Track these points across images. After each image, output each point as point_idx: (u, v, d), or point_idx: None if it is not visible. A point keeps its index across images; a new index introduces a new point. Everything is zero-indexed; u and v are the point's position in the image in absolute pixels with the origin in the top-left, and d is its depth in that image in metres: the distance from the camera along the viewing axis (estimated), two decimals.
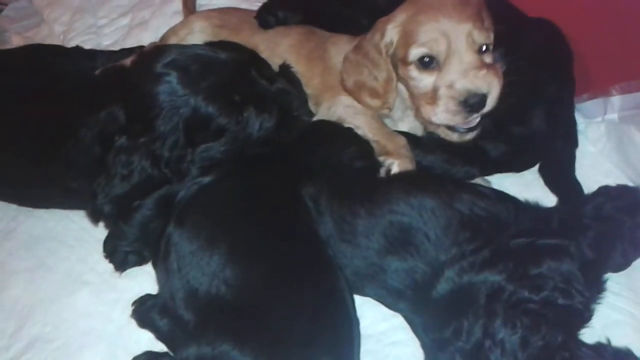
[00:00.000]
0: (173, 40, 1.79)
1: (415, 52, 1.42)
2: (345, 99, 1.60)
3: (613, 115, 1.67)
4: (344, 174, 1.43)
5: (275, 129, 1.41)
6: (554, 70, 1.67)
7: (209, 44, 1.57)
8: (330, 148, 1.46)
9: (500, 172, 1.69)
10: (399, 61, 1.48)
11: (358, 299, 1.41)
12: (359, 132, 1.55)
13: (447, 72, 1.41)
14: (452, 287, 1.24)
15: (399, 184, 1.39)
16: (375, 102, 1.56)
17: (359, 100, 1.57)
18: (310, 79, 1.65)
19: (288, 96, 1.44)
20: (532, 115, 1.62)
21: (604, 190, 1.52)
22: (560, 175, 1.66)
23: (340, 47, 1.65)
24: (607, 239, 1.34)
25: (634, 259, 1.41)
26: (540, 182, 1.68)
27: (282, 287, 1.22)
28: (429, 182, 1.40)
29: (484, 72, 1.39)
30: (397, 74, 1.52)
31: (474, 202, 1.34)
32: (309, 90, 1.64)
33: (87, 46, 1.99)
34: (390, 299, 1.37)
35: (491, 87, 1.40)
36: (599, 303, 1.30)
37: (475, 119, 1.46)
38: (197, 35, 1.80)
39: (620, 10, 1.61)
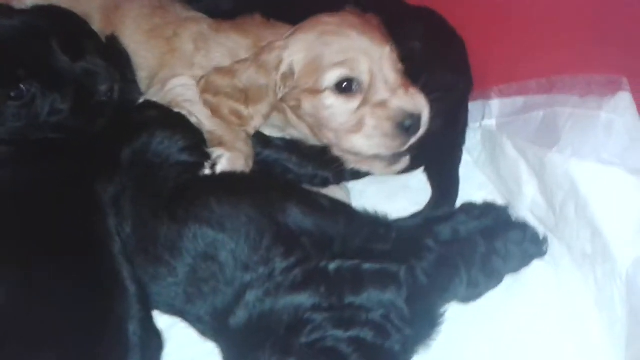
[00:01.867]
0: None
1: (331, 76, 1.19)
2: (184, 79, 1.36)
3: (491, 121, 1.47)
4: (159, 171, 1.19)
5: (72, 114, 1.17)
6: (448, 61, 1.48)
7: (32, 9, 1.36)
8: (149, 138, 1.22)
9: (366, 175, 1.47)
10: (304, 92, 1.25)
11: (169, 319, 1.21)
12: (193, 119, 1.32)
13: (376, 93, 1.20)
14: (251, 313, 1.03)
15: (215, 185, 1.16)
16: (234, 121, 1.32)
17: (217, 111, 1.32)
18: (146, 59, 1.40)
19: (94, 78, 1.19)
20: None
21: (466, 208, 1.34)
22: (443, 172, 1.48)
23: (197, 36, 1.40)
24: (449, 265, 1.14)
25: (487, 289, 1.22)
26: (406, 192, 1.47)
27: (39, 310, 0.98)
28: (252, 186, 1.19)
29: (412, 91, 1.21)
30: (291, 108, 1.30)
31: (301, 213, 1.13)
32: (142, 72, 1.40)
33: None
34: (194, 323, 1.14)
35: (423, 108, 1.22)
36: (432, 339, 1.10)
37: (406, 145, 1.24)
38: None
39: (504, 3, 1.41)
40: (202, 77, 1.32)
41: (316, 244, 1.10)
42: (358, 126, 1.21)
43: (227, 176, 1.21)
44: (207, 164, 1.23)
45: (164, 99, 1.33)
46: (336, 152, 1.31)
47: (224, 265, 1.05)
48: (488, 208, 1.36)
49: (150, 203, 1.14)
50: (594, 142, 1.15)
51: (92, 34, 1.40)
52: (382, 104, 1.19)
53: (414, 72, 1.35)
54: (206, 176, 1.22)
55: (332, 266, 1.06)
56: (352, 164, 1.33)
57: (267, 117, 1.31)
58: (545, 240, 1.29)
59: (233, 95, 1.29)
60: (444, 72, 1.42)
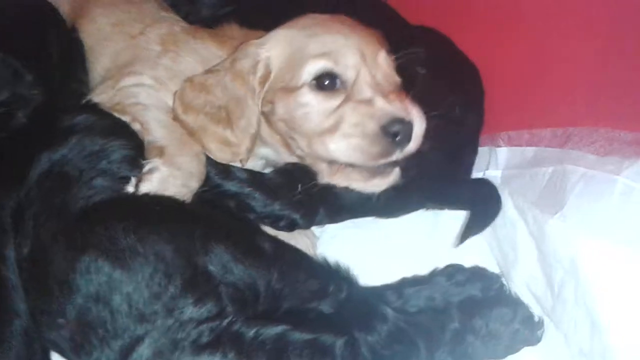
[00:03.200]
0: None
1: (311, 68, 1.00)
2: (142, 78, 1.15)
3: (496, 173, 1.24)
4: (73, 186, 1.01)
5: None
6: (456, 91, 1.25)
7: None
8: (72, 148, 1.04)
9: (357, 216, 1.25)
10: (279, 92, 1.05)
11: None
12: (136, 126, 1.11)
13: (360, 91, 0.99)
14: None
15: (129, 209, 0.96)
16: (225, 153, 1.10)
17: (203, 144, 1.10)
18: (103, 55, 1.23)
19: (8, 70, 1.02)
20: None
21: (449, 270, 1.12)
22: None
23: (168, 38, 1.22)
24: (405, 342, 0.91)
25: None
26: (387, 242, 1.25)
27: None
28: (176, 216, 0.98)
29: (407, 100, 1.00)
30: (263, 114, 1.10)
31: (230, 257, 0.92)
32: (98, 68, 1.23)
33: None
34: None
35: (417, 118, 1.00)
36: None
37: (393, 159, 1.01)
38: None
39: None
40: (175, 93, 1.12)
41: (238, 297, 0.89)
42: (335, 126, 0.99)
43: (149, 199, 1.01)
44: (133, 179, 1.02)
45: (111, 99, 1.14)
46: (309, 162, 1.09)
47: (115, 312, 0.85)
48: (476, 274, 1.14)
49: (52, 224, 0.96)
50: (606, 213, 0.92)
51: (56, 24, 1.24)
52: (368, 102, 0.98)
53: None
54: (123, 196, 1.01)
55: (250, 330, 0.84)
56: (325, 176, 1.09)
57: (255, 137, 1.10)
58: (540, 324, 1.06)
59: (214, 116, 1.09)
60: (451, 103, 1.20)
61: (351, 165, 1.03)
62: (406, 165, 1.10)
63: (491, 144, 1.27)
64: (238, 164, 1.13)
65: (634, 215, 0.89)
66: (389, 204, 1.23)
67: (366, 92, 0.98)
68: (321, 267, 1.03)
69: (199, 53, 1.19)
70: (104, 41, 1.24)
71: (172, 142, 1.09)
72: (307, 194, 1.16)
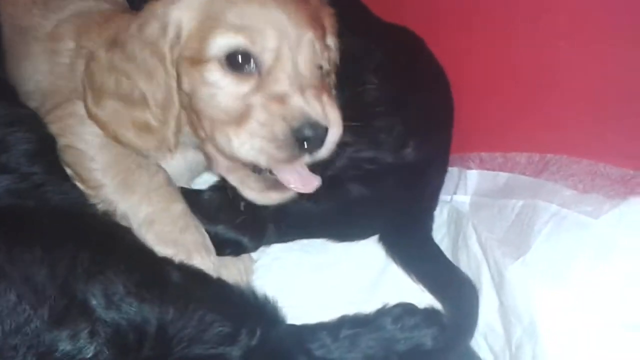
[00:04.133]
0: None
1: (222, 42, 0.84)
2: (69, 107, 0.99)
3: (464, 198, 1.07)
4: None
5: None
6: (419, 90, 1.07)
7: None
8: None
9: (307, 236, 1.11)
10: (185, 61, 0.89)
11: None
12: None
13: (276, 81, 0.83)
14: None
15: (6, 220, 0.81)
16: (148, 141, 0.94)
17: (118, 138, 0.94)
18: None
19: None
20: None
21: (397, 311, 0.98)
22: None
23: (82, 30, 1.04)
24: None
25: None
26: (336, 271, 1.09)
27: None
28: (63, 233, 0.82)
29: (325, 99, 0.86)
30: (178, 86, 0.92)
31: (122, 286, 0.77)
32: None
33: None
34: None
35: (334, 123, 0.86)
36: None
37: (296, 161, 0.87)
38: None
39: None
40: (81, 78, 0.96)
41: (118, 340, 0.72)
42: (241, 118, 0.84)
43: (41, 211, 0.85)
44: None
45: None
46: (209, 150, 0.94)
47: None
48: (429, 319, 0.98)
49: None
50: (577, 266, 0.74)
51: None
52: (280, 98, 0.83)
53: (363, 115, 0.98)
54: (12, 205, 0.85)
55: None
56: (220, 169, 0.94)
57: (178, 116, 0.93)
58: None
59: (128, 98, 0.92)
60: (405, 116, 1.02)
61: (252, 168, 0.89)
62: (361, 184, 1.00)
63: (461, 165, 1.10)
64: (166, 156, 0.96)
65: (611, 273, 0.71)
66: (340, 225, 1.08)
67: (282, 84, 0.83)
68: (238, 305, 0.86)
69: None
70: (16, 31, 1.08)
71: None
72: (252, 212, 1.00)
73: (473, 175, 1.08)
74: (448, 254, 1.08)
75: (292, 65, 0.84)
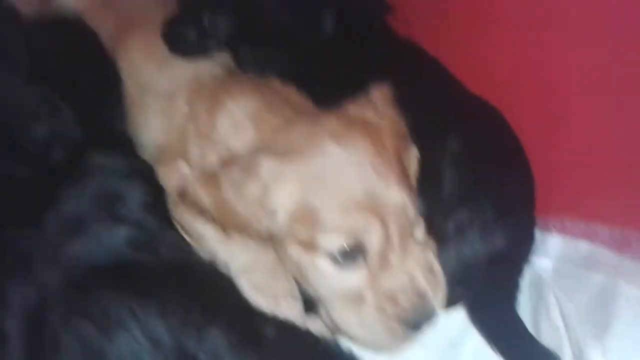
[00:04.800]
0: None
1: (331, 242, 0.89)
2: (179, 165, 1.10)
3: (546, 262, 1.10)
4: (86, 234, 0.97)
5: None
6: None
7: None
8: (94, 189, 1.01)
9: None
10: (289, 237, 0.94)
11: None
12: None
13: (384, 275, 0.91)
14: None
15: (126, 276, 0.92)
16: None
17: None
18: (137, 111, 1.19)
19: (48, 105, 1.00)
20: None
21: None
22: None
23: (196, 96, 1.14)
24: None
25: None
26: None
27: None
28: (177, 287, 0.92)
29: (428, 269, 0.94)
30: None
31: (226, 343, 0.86)
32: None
33: None
34: None
35: (438, 294, 0.95)
36: None
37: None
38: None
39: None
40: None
41: None
42: (355, 303, 0.92)
43: (154, 263, 0.96)
44: None
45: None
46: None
47: None
48: None
49: (56, 275, 0.92)
50: None
51: (92, 51, 1.23)
52: (393, 297, 0.90)
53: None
54: (129, 259, 0.96)
55: None
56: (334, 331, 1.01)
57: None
58: None
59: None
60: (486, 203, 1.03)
61: None
62: None
63: (543, 228, 1.12)
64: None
65: None
66: None
67: (393, 280, 0.90)
68: (330, 352, 0.93)
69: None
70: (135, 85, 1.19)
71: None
72: None
73: (556, 241, 1.10)
74: (529, 319, 1.08)
75: (393, 248, 0.90)
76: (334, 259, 0.90)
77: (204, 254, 1.05)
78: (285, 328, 0.95)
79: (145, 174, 1.08)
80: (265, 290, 1.02)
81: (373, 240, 0.89)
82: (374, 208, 0.89)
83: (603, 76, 0.99)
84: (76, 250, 0.96)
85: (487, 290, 1.05)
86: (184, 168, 1.07)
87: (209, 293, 0.94)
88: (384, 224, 0.89)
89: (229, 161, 0.97)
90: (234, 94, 1.09)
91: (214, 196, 0.95)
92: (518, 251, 1.07)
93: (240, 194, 0.93)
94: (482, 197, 1.00)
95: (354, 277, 0.91)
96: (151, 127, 1.17)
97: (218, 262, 1.04)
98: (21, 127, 1.00)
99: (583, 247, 1.04)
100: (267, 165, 0.91)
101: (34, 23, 1.24)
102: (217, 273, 1.01)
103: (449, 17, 1.26)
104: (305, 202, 0.90)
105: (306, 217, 0.90)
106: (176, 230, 1.06)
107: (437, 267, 0.96)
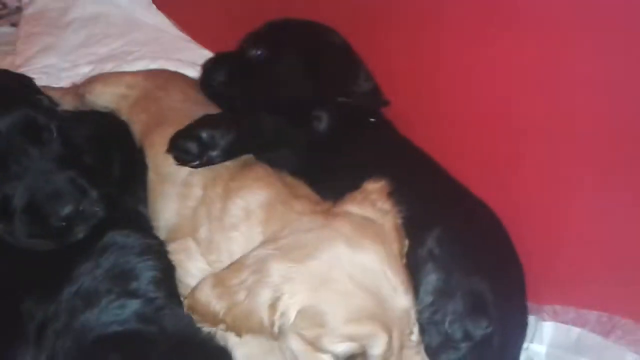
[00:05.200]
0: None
1: (339, 348, 0.93)
2: (186, 243, 1.17)
3: (540, 348, 1.13)
4: (98, 306, 1.04)
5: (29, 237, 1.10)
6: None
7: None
8: (108, 264, 1.09)
9: None
10: (293, 334, 0.97)
11: None
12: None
13: None
14: None
15: (132, 345, 0.98)
16: None
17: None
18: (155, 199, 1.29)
19: (54, 199, 1.09)
20: None
21: None
22: None
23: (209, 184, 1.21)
24: None
25: None
26: None
27: None
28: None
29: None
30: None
31: None
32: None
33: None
34: None
35: None
36: None
37: None
38: (97, 97, 1.56)
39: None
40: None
41: None
42: None
43: (161, 337, 1.02)
44: None
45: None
46: None
47: None
48: None
49: (68, 344, 0.98)
50: None
51: (122, 141, 1.35)
52: None
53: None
54: (138, 330, 1.02)
55: None
56: None
57: None
58: None
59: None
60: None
61: None
62: None
63: (537, 314, 1.16)
64: None
65: None
66: None
67: None
68: None
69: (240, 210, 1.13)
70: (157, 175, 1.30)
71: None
72: None
73: (548, 327, 1.14)
74: None
75: (397, 353, 0.95)
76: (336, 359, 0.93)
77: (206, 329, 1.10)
78: None
79: (157, 251, 1.14)
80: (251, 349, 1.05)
81: (378, 348, 0.92)
82: (381, 317, 0.92)
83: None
84: (87, 320, 1.03)
85: None
86: (192, 246, 1.14)
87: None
88: (389, 333, 0.93)
89: (238, 263, 1.01)
90: (248, 183, 1.17)
91: (227, 302, 0.98)
92: (512, 341, 1.10)
93: (254, 300, 0.96)
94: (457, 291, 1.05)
95: None
96: (167, 210, 1.25)
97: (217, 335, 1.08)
98: (49, 206, 1.08)
99: (573, 333, 1.08)
100: (277, 269, 0.94)
101: (70, 114, 1.37)
102: (217, 347, 1.06)
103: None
104: (315, 305, 0.93)
105: (314, 318, 0.93)
106: (180, 305, 1.11)
107: None
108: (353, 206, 1.07)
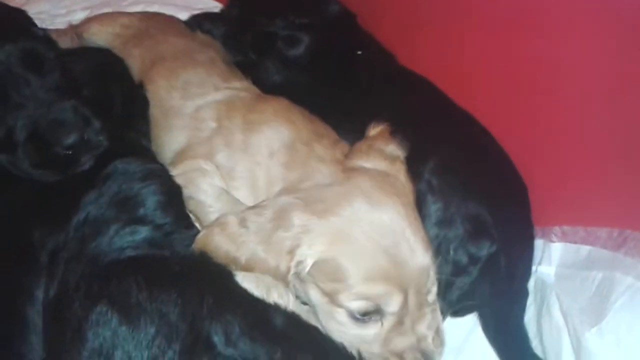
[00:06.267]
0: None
1: (353, 305, 0.95)
2: (199, 163, 1.17)
3: (549, 269, 1.14)
4: (108, 233, 1.04)
5: (33, 167, 1.09)
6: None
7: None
8: (112, 191, 1.08)
9: None
10: (312, 284, 0.99)
11: None
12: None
13: (396, 335, 0.98)
14: None
15: (149, 265, 0.98)
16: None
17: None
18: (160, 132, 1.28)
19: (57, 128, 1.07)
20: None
21: None
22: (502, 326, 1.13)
23: (224, 114, 1.22)
24: None
25: None
26: None
27: None
28: (191, 278, 0.97)
29: (436, 331, 1.00)
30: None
31: (237, 327, 0.90)
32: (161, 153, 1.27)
33: None
34: None
35: (440, 352, 1.01)
36: None
37: None
38: (92, 35, 1.55)
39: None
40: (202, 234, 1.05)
41: None
42: (362, 347, 0.98)
43: (172, 258, 1.01)
44: None
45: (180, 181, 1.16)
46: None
47: None
48: None
49: (78, 270, 0.98)
50: None
51: (121, 77, 1.32)
52: (399, 354, 0.97)
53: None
54: (147, 254, 1.02)
55: None
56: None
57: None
58: None
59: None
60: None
61: None
62: None
63: (545, 237, 1.17)
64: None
65: None
66: None
67: (403, 341, 0.96)
68: (336, 349, 0.97)
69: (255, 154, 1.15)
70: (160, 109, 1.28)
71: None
72: None
73: (557, 248, 1.14)
74: (533, 322, 1.13)
75: (409, 314, 0.96)
76: (351, 315, 0.95)
77: None
78: (294, 320, 0.98)
79: (160, 175, 1.13)
80: (257, 279, 1.04)
81: (392, 307, 0.94)
82: (397, 277, 0.93)
83: (602, 86, 1.05)
84: (97, 248, 1.02)
85: (501, 302, 1.11)
86: (207, 166, 1.14)
87: (222, 285, 0.99)
88: (405, 293, 0.94)
89: (260, 207, 1.01)
90: (269, 117, 1.17)
91: (245, 244, 0.99)
92: (517, 255, 1.12)
93: (267, 241, 0.97)
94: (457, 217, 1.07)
95: (367, 332, 0.97)
96: (174, 142, 1.24)
97: None
98: (54, 136, 1.07)
99: (583, 250, 1.08)
100: (299, 218, 0.96)
101: (67, 50, 1.35)
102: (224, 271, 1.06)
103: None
104: (333, 259, 0.94)
105: (330, 273, 0.95)
106: (189, 227, 1.11)
107: (442, 327, 1.01)
108: (365, 161, 1.07)
